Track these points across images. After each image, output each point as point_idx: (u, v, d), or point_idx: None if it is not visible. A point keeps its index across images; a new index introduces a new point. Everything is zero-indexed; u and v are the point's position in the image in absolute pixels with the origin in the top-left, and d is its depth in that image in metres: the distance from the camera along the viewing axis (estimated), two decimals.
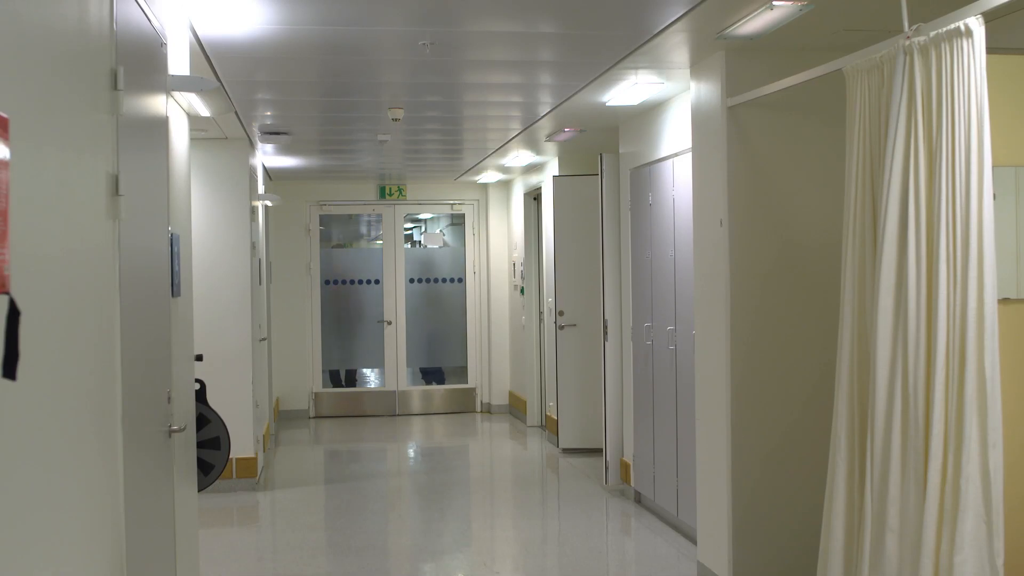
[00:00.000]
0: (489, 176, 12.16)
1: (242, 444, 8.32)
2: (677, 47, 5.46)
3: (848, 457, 4.03)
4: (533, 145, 9.48)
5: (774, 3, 4.48)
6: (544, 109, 7.45)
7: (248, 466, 8.59)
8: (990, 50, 3.75)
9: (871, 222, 3.97)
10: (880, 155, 3.89)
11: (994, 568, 3.44)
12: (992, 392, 3.45)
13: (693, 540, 6.37)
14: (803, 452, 5.41)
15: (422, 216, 16.75)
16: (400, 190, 13.08)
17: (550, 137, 8.77)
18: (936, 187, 3.60)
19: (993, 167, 4.11)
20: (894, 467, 3.69)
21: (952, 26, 3.52)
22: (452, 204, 13.19)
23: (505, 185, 12.83)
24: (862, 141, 4.02)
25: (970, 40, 3.47)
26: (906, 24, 3.77)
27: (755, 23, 4.80)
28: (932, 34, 3.63)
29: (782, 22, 4.74)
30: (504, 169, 11.51)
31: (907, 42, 3.73)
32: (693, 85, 5.95)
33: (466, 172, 11.78)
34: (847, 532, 4.03)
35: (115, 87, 2.90)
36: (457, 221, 13.47)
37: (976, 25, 3.45)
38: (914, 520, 3.61)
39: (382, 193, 13.02)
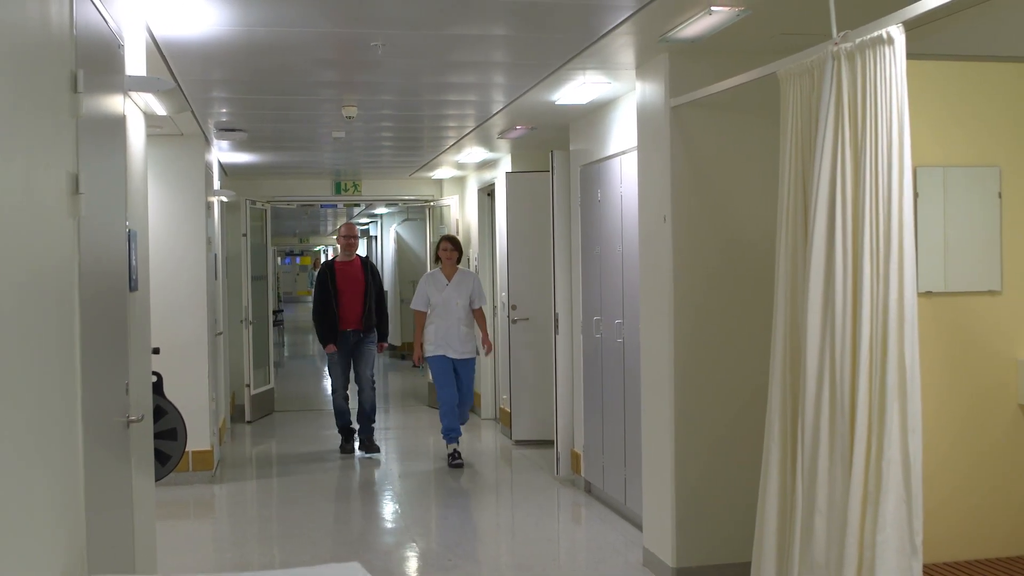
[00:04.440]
0: (444, 172, 12.26)
1: (198, 437, 8.40)
2: (623, 48, 5.62)
3: (781, 442, 4.21)
4: (486, 142, 9.61)
5: (712, 8, 4.65)
6: (496, 107, 7.58)
7: (204, 459, 8.67)
8: (920, 56, 3.91)
9: (803, 220, 4.15)
10: (811, 156, 4.07)
11: (914, 547, 3.63)
12: (912, 380, 3.64)
13: (640, 527, 6.54)
14: (745, 442, 5.56)
15: (378, 212, 16.67)
16: (356, 186, 13.15)
17: (503, 134, 8.90)
18: (861, 187, 3.77)
19: (921, 167, 4.33)
20: (823, 451, 3.88)
21: (875, 33, 3.69)
22: (431, 202, 13.19)
23: (459, 181, 12.93)
24: (795, 142, 4.20)
25: (892, 47, 3.64)
26: (835, 30, 3.93)
27: (695, 27, 4.97)
28: (857, 41, 3.80)
29: (721, 26, 4.92)
30: (458, 165, 11.61)
31: (835, 48, 3.90)
32: (639, 85, 6.11)
33: (421, 168, 11.87)
34: (780, 514, 4.20)
35: (75, 90, 2.95)
36: (414, 216, 13.50)
37: (897, 33, 3.62)
38: (840, 501, 3.79)
39: (337, 189, 13.08)
